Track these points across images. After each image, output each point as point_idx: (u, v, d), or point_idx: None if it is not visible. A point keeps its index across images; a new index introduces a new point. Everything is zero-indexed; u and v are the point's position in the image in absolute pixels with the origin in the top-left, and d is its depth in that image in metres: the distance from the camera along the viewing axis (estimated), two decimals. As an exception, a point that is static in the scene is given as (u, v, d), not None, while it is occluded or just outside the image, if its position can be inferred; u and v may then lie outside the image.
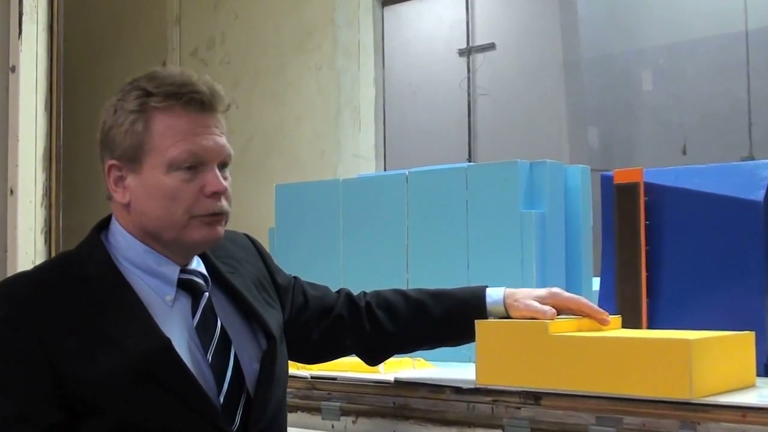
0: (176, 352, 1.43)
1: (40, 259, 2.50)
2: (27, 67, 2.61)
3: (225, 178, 1.52)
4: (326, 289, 1.85)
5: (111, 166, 1.51)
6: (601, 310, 1.73)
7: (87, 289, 1.45)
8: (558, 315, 1.71)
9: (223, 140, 1.52)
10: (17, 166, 2.58)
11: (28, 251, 2.52)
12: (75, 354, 1.40)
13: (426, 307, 1.78)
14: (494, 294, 1.76)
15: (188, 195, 1.48)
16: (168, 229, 1.49)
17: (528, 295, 1.73)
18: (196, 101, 1.48)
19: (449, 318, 1.77)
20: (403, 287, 1.95)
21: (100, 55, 4.79)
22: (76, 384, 1.39)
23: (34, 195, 2.57)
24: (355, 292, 1.85)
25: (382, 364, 1.92)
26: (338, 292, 1.85)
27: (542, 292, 1.74)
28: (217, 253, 1.64)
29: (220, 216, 1.51)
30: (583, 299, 1.74)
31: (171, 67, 1.54)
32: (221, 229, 1.53)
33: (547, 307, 1.69)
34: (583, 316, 1.72)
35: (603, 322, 1.71)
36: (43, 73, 2.62)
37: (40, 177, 2.59)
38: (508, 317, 1.73)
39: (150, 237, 1.51)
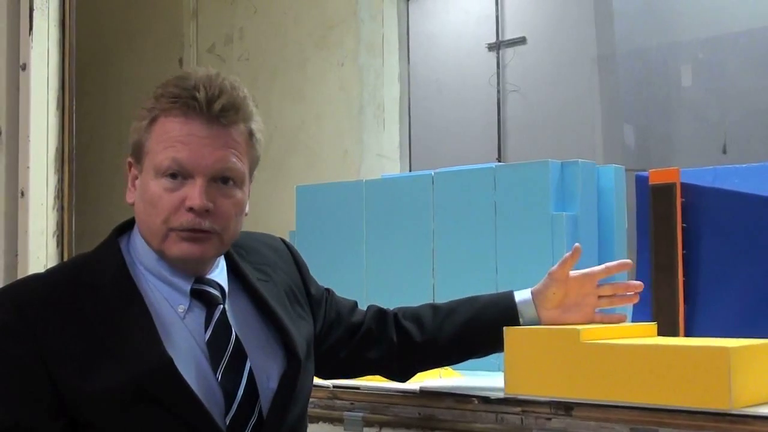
0: (177, 370, 1.39)
1: (52, 264, 2.50)
2: (38, 64, 2.59)
3: (229, 196, 1.45)
4: (355, 304, 1.82)
5: (129, 164, 1.50)
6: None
7: (95, 297, 1.42)
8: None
9: (221, 153, 1.43)
10: (28, 167, 2.56)
11: (40, 255, 2.51)
12: (75, 366, 1.37)
13: (453, 313, 1.76)
14: (523, 294, 1.77)
15: (167, 205, 1.42)
16: (152, 239, 1.45)
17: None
18: (195, 109, 1.42)
19: (479, 322, 1.75)
20: (429, 292, 1.94)
21: (113, 52, 4.79)
22: (74, 397, 1.36)
23: (46, 197, 2.56)
24: (379, 298, 1.83)
25: (407, 373, 1.89)
26: (368, 308, 1.82)
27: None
28: (251, 258, 1.60)
29: (199, 233, 1.43)
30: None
31: (200, 69, 1.50)
32: (205, 249, 1.45)
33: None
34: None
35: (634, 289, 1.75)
36: (54, 70, 2.61)
37: (52, 179, 2.57)
38: (539, 314, 1.74)
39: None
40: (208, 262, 1.50)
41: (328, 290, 1.78)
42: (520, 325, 1.73)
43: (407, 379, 1.81)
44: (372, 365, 1.78)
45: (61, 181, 2.57)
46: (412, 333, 1.75)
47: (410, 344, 1.75)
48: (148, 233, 1.46)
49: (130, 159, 1.49)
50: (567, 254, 1.73)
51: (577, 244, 1.74)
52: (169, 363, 1.38)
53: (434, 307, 1.80)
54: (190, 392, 1.39)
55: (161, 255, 1.46)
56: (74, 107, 2.61)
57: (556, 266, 1.74)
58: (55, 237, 2.55)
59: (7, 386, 1.37)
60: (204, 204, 1.41)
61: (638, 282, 1.77)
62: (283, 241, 1.75)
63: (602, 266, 1.77)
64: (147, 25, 4.73)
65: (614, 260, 2.16)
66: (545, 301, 1.74)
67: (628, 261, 1.79)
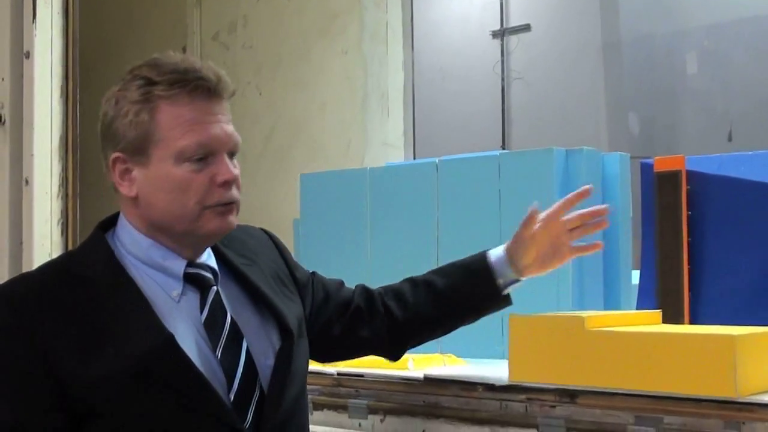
0: (180, 347, 1.40)
1: (57, 252, 2.49)
2: (41, 52, 2.57)
3: (236, 167, 1.49)
4: (342, 282, 1.81)
5: (115, 159, 1.47)
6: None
7: (88, 289, 1.42)
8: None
9: (231, 128, 1.47)
10: (32, 155, 2.55)
11: (45, 243, 2.50)
12: (75, 357, 1.37)
13: (430, 285, 1.74)
14: (497, 252, 1.71)
15: (199, 186, 1.44)
16: (180, 222, 1.46)
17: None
18: (202, 88, 1.44)
19: (456, 291, 1.71)
20: (433, 280, 1.90)
21: (117, 40, 4.77)
22: (76, 387, 1.36)
23: (50, 186, 2.55)
24: (383, 285, 1.81)
25: (411, 360, 1.89)
26: (355, 287, 1.81)
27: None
28: (233, 246, 1.60)
29: (231, 205, 1.47)
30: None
31: (171, 54, 1.49)
32: (234, 219, 1.49)
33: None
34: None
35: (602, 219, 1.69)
36: (58, 58, 2.59)
37: (57, 167, 2.56)
38: (518, 271, 1.67)
39: (159, 230, 1.48)
40: None
41: (313, 273, 1.78)
42: (498, 286, 1.68)
43: (398, 358, 1.78)
44: (365, 344, 1.77)
45: (65, 169, 2.56)
46: (394, 311, 1.73)
47: (394, 322, 1.74)
48: (173, 217, 1.45)
49: (117, 154, 1.45)
50: (526, 216, 1.67)
51: (531, 206, 1.67)
52: (171, 340, 1.39)
53: (412, 282, 1.77)
54: (193, 368, 1.39)
55: (187, 236, 1.46)
56: (78, 95, 2.60)
57: (519, 228, 1.68)
58: (60, 225, 2.54)
59: (8, 385, 1.37)
60: (235, 176, 1.46)
61: (603, 205, 1.71)
62: (263, 230, 1.75)
63: (561, 201, 1.70)
64: (150, 13, 4.71)
65: (619, 252, 2.17)
66: (521, 259, 1.68)
67: (587, 187, 1.71)
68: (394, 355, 1.77)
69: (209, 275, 1.50)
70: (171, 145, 1.42)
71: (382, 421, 1.85)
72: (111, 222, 1.52)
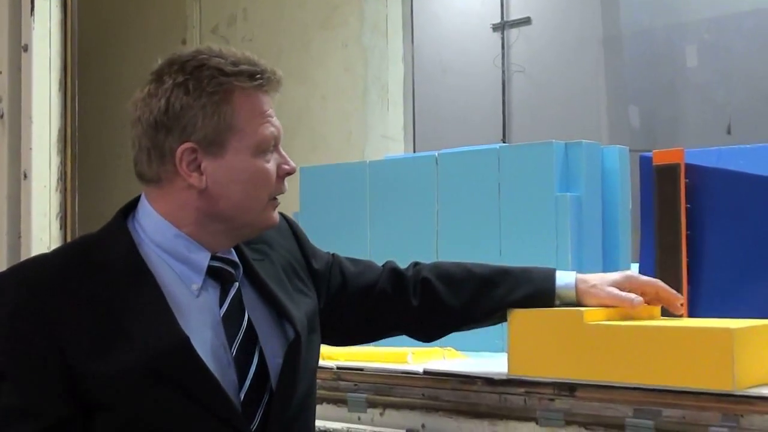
0: (195, 350, 1.38)
1: (55, 246, 2.47)
2: (40, 45, 2.57)
3: None
4: (368, 264, 1.78)
5: (185, 150, 1.43)
6: (678, 294, 1.67)
7: (106, 276, 1.41)
8: None
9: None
10: (31, 149, 2.55)
11: (43, 237, 2.50)
12: (88, 348, 1.36)
13: (492, 286, 1.69)
14: (564, 277, 1.67)
15: (273, 177, 1.49)
16: (248, 213, 1.48)
17: (603, 281, 1.65)
18: (271, 82, 1.48)
19: (515, 300, 1.68)
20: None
21: (116, 33, 4.75)
22: (87, 379, 1.36)
23: (49, 179, 2.54)
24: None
25: (410, 354, 1.89)
26: (383, 265, 1.77)
27: (617, 276, 1.67)
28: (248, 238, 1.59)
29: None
30: (660, 282, 1.67)
31: (215, 46, 1.49)
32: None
33: (633, 295, 1.63)
34: (657, 304, 1.68)
35: (677, 310, 1.66)
36: (56, 51, 2.59)
37: (55, 160, 2.56)
38: (578, 305, 1.65)
39: (217, 221, 1.47)
40: None
41: (333, 255, 1.76)
42: (554, 305, 1.67)
43: (432, 341, 1.76)
44: (390, 329, 1.75)
45: (64, 162, 2.55)
46: (445, 297, 1.69)
47: (442, 308, 1.70)
48: (242, 209, 1.46)
49: (189, 145, 1.42)
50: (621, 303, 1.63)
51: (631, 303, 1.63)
52: (186, 343, 1.38)
53: (470, 272, 1.72)
54: (207, 372, 1.39)
55: (247, 227, 1.50)
56: (77, 88, 2.59)
57: (626, 285, 1.64)
58: (59, 219, 2.53)
59: (19, 368, 1.36)
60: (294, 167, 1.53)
61: (680, 299, 1.68)
62: (282, 215, 1.73)
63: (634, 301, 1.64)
64: (150, 6, 4.69)
65: (618, 245, 2.17)
66: (593, 300, 1.65)
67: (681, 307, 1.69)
68: (426, 338, 1.75)
69: (232, 270, 1.49)
70: (250, 136, 1.44)
71: (381, 414, 1.85)
72: (131, 206, 1.51)
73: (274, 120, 1.49)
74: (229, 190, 1.45)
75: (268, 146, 1.47)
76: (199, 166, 1.44)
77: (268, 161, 1.47)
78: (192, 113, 1.42)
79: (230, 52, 1.47)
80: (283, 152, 1.51)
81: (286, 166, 1.50)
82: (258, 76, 1.45)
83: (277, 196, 1.51)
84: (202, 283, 1.46)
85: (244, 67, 1.44)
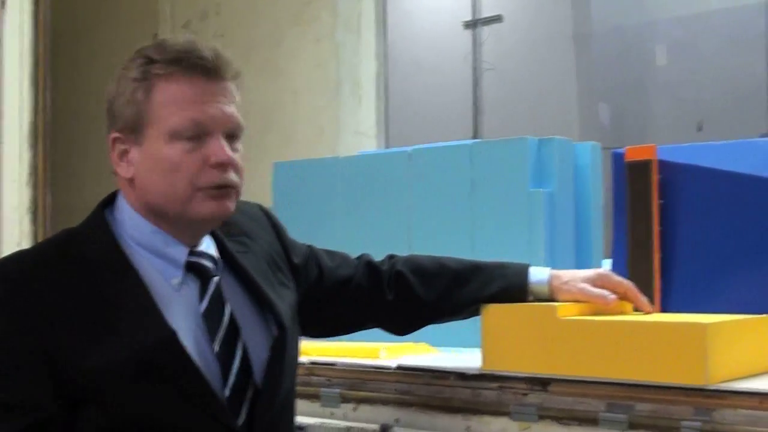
0: (182, 344, 1.37)
1: (26, 241, 2.46)
2: (11, 39, 2.55)
3: (235, 150, 1.45)
4: (344, 257, 1.77)
5: (114, 139, 1.44)
6: (646, 300, 1.69)
7: (89, 271, 1.39)
8: None
9: (230, 109, 1.44)
10: (2, 143, 2.52)
11: (14, 233, 2.47)
12: (73, 343, 1.34)
13: (465, 280, 1.70)
14: (538, 273, 1.68)
15: (191, 166, 1.40)
16: (172, 204, 1.42)
17: (576, 278, 1.66)
18: (198, 67, 1.41)
19: (488, 295, 1.68)
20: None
21: (87, 27, 4.71)
22: (73, 374, 1.34)
23: (19, 174, 2.51)
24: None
25: (383, 349, 1.88)
26: (358, 258, 1.77)
27: (590, 273, 1.67)
28: (229, 230, 1.56)
29: (227, 189, 1.44)
30: (630, 285, 1.68)
31: (179, 36, 1.49)
32: (230, 204, 1.45)
33: (606, 292, 1.63)
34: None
35: (646, 312, 1.67)
36: (28, 45, 2.55)
37: (26, 155, 2.53)
38: (551, 301, 1.66)
39: (156, 214, 1.44)
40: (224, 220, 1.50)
41: (310, 247, 1.74)
42: (528, 300, 1.68)
43: (406, 334, 1.76)
44: (364, 322, 1.75)
45: (35, 156, 2.52)
46: (419, 291, 1.70)
47: (415, 302, 1.70)
48: (166, 200, 1.42)
49: (116, 134, 1.43)
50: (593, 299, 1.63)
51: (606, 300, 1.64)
52: (173, 336, 1.37)
53: (443, 266, 1.72)
54: (194, 366, 1.37)
55: (180, 220, 1.44)
56: (48, 82, 2.57)
57: (598, 282, 1.65)
58: (30, 213, 2.50)
59: (3, 364, 1.34)
60: (230, 157, 1.42)
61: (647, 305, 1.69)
62: (260, 206, 1.71)
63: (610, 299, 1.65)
64: (122, 1, 4.66)
65: (590, 241, 2.17)
66: (566, 296, 1.66)
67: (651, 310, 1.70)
68: (400, 332, 1.75)
69: (210, 265, 1.47)
70: (164, 123, 1.40)
71: (354, 409, 1.84)
72: (111, 201, 1.49)
73: (208, 107, 1.41)
74: (150, 180, 1.42)
75: (183, 133, 1.39)
76: (128, 157, 1.44)
77: (187, 149, 1.40)
78: (118, 102, 1.43)
79: (179, 41, 1.44)
80: (221, 140, 1.42)
81: (212, 157, 1.41)
82: (178, 62, 1.40)
83: (223, 187, 1.42)
84: (182, 278, 1.45)
85: (173, 53, 1.41)
